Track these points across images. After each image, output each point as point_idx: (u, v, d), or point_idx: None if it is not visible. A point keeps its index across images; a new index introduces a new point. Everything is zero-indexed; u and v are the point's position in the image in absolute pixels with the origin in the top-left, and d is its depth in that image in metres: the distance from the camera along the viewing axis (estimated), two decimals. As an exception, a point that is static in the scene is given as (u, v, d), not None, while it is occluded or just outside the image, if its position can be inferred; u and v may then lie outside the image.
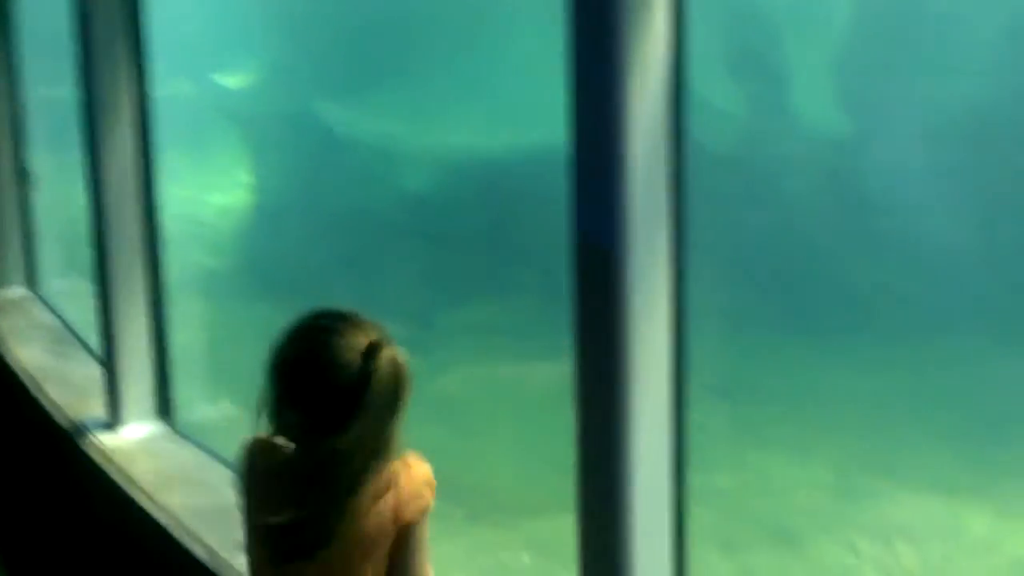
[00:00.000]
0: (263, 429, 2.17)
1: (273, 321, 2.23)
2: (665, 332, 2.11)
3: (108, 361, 4.06)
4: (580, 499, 2.18)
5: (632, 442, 2.07)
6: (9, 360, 4.84)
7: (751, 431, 7.00)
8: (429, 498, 2.22)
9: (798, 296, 9.10)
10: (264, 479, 2.19)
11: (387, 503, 2.14)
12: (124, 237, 4.00)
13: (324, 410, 2.09)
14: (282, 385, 2.12)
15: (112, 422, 4.00)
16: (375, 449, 2.09)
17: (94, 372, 4.32)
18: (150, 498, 3.47)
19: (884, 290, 8.92)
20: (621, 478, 2.08)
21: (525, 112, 10.22)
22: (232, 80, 13.55)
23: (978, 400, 7.53)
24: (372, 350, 2.11)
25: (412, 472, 2.20)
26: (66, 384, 4.44)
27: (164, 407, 4.11)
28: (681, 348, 2.14)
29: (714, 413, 6.64)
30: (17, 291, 5.80)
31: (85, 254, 4.34)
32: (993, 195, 9.21)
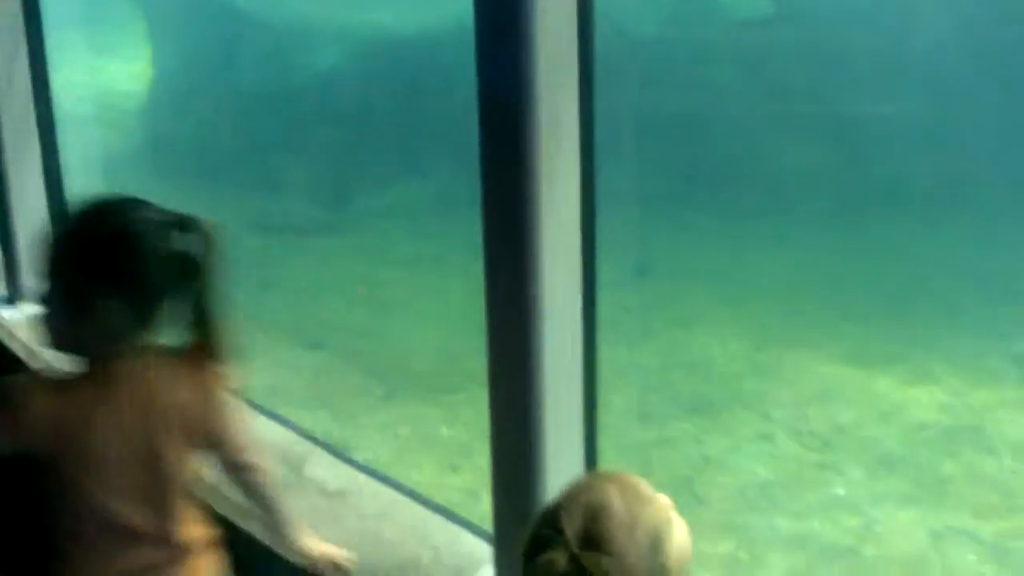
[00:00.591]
0: None
1: (178, 201, 2.13)
2: (575, 203, 2.06)
3: (5, 240, 3.93)
4: (491, 373, 2.15)
5: (543, 313, 2.03)
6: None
7: (671, 308, 7.12)
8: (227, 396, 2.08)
9: (720, 178, 9.18)
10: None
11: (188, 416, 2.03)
12: (16, 117, 3.81)
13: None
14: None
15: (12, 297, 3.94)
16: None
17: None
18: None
19: (806, 172, 9.05)
20: (532, 349, 2.05)
21: (437, -12, 9.96)
22: (137, -43, 12.93)
23: (892, 278, 7.74)
24: None
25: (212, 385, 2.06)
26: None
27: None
28: (591, 217, 2.09)
29: (634, 291, 6.72)
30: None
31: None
32: (917, 74, 9.32)
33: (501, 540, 2.25)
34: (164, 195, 2.16)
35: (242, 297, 2.21)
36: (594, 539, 1.57)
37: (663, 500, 1.69)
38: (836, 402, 5.97)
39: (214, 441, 2.08)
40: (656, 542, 1.62)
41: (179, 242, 1.97)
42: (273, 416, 3.07)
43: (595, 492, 1.64)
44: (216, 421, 2.06)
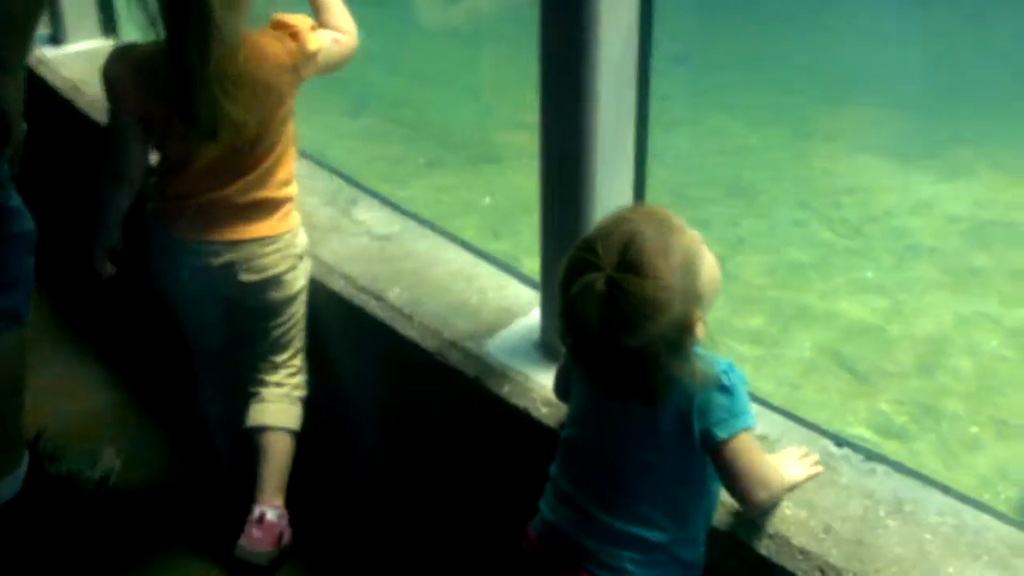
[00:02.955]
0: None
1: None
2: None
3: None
4: (543, 152, 2.15)
5: (596, 93, 2.01)
6: None
7: (710, 96, 7.00)
8: (317, 40, 2.36)
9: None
10: (145, 75, 2.27)
11: (287, 74, 2.32)
12: None
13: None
14: None
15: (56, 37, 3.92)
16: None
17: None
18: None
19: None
20: (584, 132, 2.05)
21: None
22: None
23: (936, 71, 7.54)
24: None
25: (298, 36, 2.32)
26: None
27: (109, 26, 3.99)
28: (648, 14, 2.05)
29: (673, 78, 6.59)
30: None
31: None
32: None
33: (548, 286, 2.30)
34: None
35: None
36: (630, 264, 1.62)
37: (693, 231, 1.73)
38: (871, 192, 5.94)
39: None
40: (689, 266, 1.67)
41: None
42: (319, 163, 3.10)
43: (628, 223, 1.69)
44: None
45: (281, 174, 2.43)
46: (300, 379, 2.61)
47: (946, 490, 1.93)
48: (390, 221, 2.84)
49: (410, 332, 2.43)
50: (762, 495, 1.77)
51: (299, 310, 2.56)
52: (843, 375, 4.28)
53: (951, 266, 5.26)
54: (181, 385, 2.83)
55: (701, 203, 5.47)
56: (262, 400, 2.56)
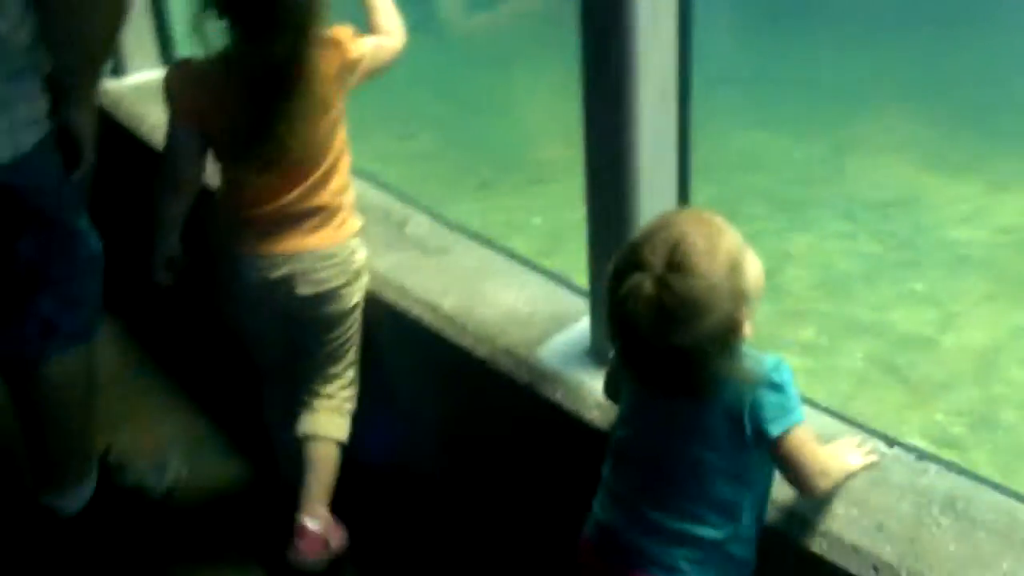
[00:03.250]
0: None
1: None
2: (672, 14, 2.05)
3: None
4: (588, 166, 2.20)
5: (638, 115, 2.06)
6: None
7: (752, 112, 7.01)
8: (362, 46, 2.46)
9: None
10: (202, 89, 2.35)
11: (335, 83, 2.39)
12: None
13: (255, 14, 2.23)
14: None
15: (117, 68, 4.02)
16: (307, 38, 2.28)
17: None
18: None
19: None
20: (628, 150, 2.09)
21: None
22: None
23: (977, 85, 7.49)
24: None
25: (343, 44, 2.41)
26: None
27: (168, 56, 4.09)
28: (686, 25, 2.10)
29: (717, 96, 6.62)
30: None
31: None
32: None
33: (596, 293, 2.34)
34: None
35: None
36: (677, 264, 1.65)
37: (736, 232, 1.76)
38: (918, 205, 5.91)
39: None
40: (735, 266, 1.69)
41: None
42: (371, 180, 3.17)
43: (673, 226, 1.72)
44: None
45: (335, 181, 2.47)
46: (351, 392, 2.66)
47: (999, 488, 1.92)
48: (442, 236, 2.90)
49: (464, 340, 2.49)
50: (822, 483, 1.81)
51: (354, 324, 2.61)
52: (896, 386, 4.26)
53: (1003, 277, 5.21)
54: (248, 396, 2.90)
55: (748, 218, 5.47)
56: (311, 410, 2.62)
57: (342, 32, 2.42)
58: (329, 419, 2.62)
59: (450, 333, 2.52)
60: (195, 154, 2.44)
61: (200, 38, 2.29)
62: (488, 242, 2.88)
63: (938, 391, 4.19)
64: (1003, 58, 7.81)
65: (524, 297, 2.62)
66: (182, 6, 3.92)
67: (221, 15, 2.27)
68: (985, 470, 3.54)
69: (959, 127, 6.89)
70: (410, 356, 2.73)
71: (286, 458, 2.76)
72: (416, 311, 2.61)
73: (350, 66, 2.41)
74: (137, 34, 3.96)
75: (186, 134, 2.41)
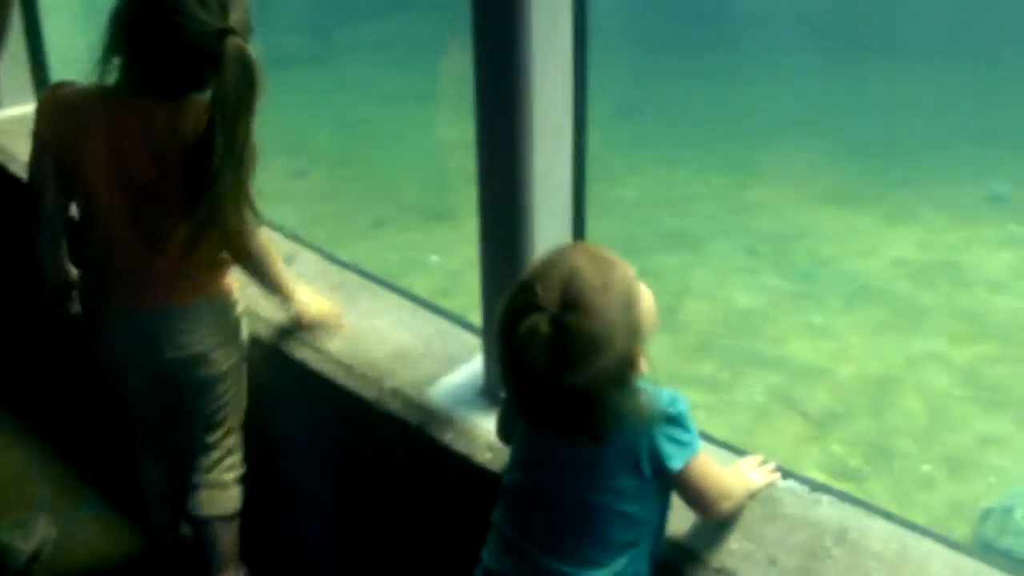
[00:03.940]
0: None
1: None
2: (567, 38, 2.02)
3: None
4: (481, 198, 2.15)
5: (533, 149, 2.02)
6: None
7: (656, 146, 7.10)
8: None
9: (708, 18, 9.03)
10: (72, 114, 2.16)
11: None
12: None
13: (168, 64, 2.05)
14: (128, 31, 2.06)
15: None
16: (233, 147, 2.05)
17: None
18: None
19: (795, 13, 8.91)
20: (521, 185, 2.05)
21: None
22: None
23: (874, 120, 7.72)
24: (224, 32, 2.02)
25: None
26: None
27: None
28: (582, 53, 2.07)
29: (620, 129, 6.68)
30: None
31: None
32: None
33: (489, 332, 2.28)
34: None
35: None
36: (572, 302, 1.61)
37: (627, 265, 1.73)
38: (817, 237, 6.04)
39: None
40: (629, 301, 1.67)
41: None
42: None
43: (564, 261, 1.68)
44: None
45: (212, 237, 2.22)
46: (233, 459, 2.48)
47: (890, 517, 1.93)
48: (330, 275, 2.81)
49: (351, 383, 2.40)
50: (725, 506, 1.85)
51: (231, 388, 2.41)
52: (795, 419, 4.29)
53: (899, 307, 5.33)
54: (122, 453, 2.75)
55: (649, 252, 5.51)
56: (195, 488, 2.46)
57: None
58: (214, 498, 2.46)
59: (337, 376, 2.43)
60: (56, 185, 2.23)
61: (102, 72, 2.12)
62: (380, 281, 2.80)
63: (836, 423, 4.25)
64: (902, 95, 8.08)
65: (416, 337, 2.54)
66: (60, 37, 3.79)
67: (121, 51, 2.10)
68: (882, 500, 3.58)
69: (858, 161, 7.09)
70: (298, 401, 2.62)
71: (164, 520, 2.61)
72: (300, 353, 2.51)
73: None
74: (10, 66, 3.81)
75: (48, 163, 2.22)
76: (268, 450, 2.61)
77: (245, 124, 2.05)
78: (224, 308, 2.33)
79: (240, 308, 2.39)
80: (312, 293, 2.54)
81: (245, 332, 2.43)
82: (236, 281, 2.37)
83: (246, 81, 2.03)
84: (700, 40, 8.93)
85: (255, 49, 2.08)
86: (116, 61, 2.10)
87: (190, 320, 2.28)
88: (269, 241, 2.37)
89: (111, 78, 2.12)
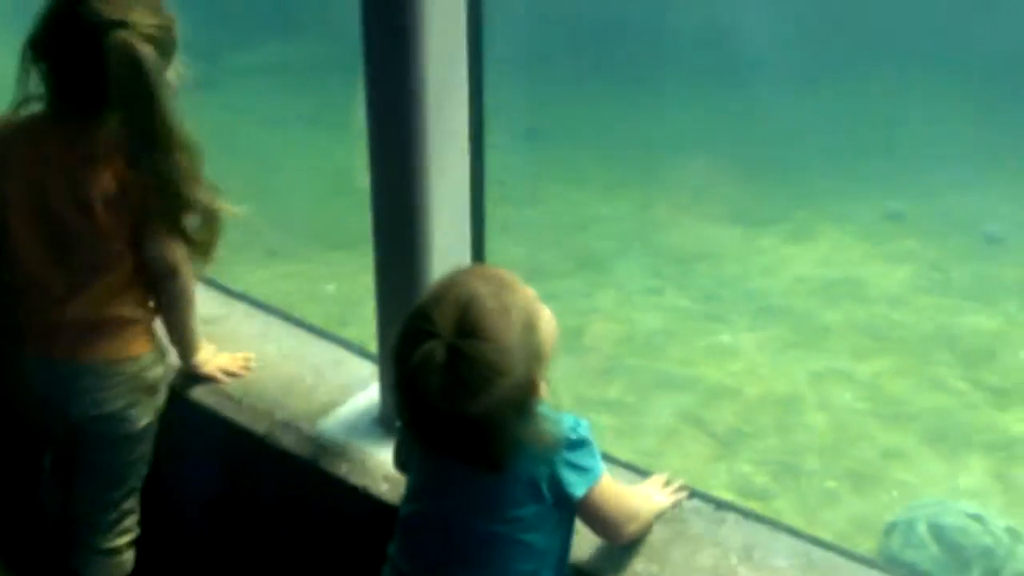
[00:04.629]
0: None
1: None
2: (463, 62, 1.98)
3: None
4: (376, 228, 2.11)
5: (429, 173, 1.97)
6: None
7: (559, 169, 7.11)
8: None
9: (607, 39, 9.11)
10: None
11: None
12: None
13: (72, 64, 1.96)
14: (37, 37, 1.98)
15: None
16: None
17: None
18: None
19: (693, 35, 9.04)
20: (419, 208, 2.00)
21: None
22: None
23: (772, 139, 7.87)
24: (115, 24, 1.93)
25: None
26: None
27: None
28: (478, 78, 2.02)
29: (523, 153, 6.67)
30: None
31: None
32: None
33: (386, 362, 2.21)
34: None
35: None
36: (468, 329, 1.56)
37: (528, 288, 1.68)
38: (721, 258, 6.11)
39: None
40: (529, 325, 1.62)
41: None
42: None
43: (462, 285, 1.63)
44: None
45: (134, 292, 2.14)
46: (131, 521, 2.35)
47: (796, 534, 1.93)
48: (215, 303, 2.69)
49: (240, 416, 2.30)
50: (631, 528, 1.83)
51: (141, 448, 2.27)
52: (703, 439, 4.30)
53: (802, 325, 5.40)
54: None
55: (554, 276, 5.50)
56: (91, 553, 2.32)
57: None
58: (102, 563, 2.32)
59: (226, 410, 2.32)
60: None
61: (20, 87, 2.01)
62: (268, 307, 2.69)
63: (743, 442, 4.27)
64: (799, 114, 8.24)
65: (308, 366, 2.45)
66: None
67: (33, 61, 2.00)
68: (789, 517, 3.59)
69: (759, 180, 7.20)
70: (183, 438, 2.49)
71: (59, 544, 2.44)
72: (185, 386, 2.39)
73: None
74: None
75: None
76: (153, 492, 2.48)
77: (154, 113, 1.96)
78: (145, 365, 2.19)
79: (159, 369, 2.24)
80: (215, 352, 2.42)
81: (162, 393, 2.28)
82: (154, 341, 2.23)
83: (134, 78, 1.93)
84: (599, 64, 9.01)
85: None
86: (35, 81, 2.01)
87: (106, 378, 2.14)
88: (192, 290, 2.24)
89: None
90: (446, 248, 2.05)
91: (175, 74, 2.08)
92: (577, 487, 1.68)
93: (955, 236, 6.50)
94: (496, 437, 1.61)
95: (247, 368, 2.43)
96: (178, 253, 2.10)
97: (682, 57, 8.79)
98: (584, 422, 1.73)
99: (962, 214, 6.80)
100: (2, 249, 2.12)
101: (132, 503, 2.34)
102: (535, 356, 1.61)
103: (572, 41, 9.07)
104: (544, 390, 1.64)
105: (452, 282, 1.65)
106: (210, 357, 2.40)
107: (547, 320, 1.69)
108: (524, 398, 1.60)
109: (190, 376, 2.40)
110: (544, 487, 1.67)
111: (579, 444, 1.70)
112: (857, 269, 6.06)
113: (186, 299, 2.21)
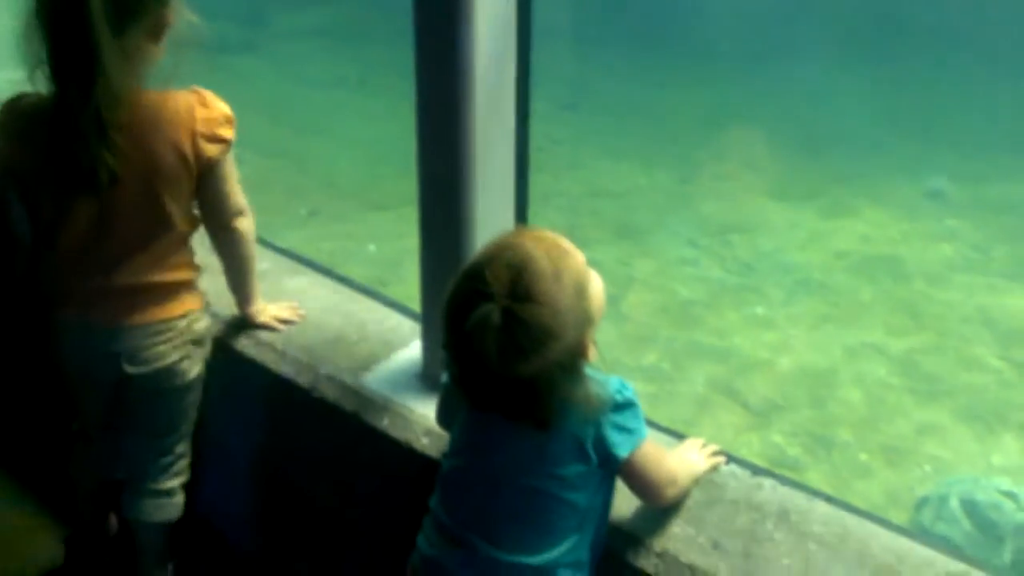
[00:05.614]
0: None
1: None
2: (511, 33, 1.99)
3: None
4: (421, 180, 2.11)
5: (475, 137, 1.98)
6: None
7: (599, 141, 7.09)
8: (230, 136, 2.14)
9: (652, 17, 9.05)
10: (25, 125, 2.07)
11: (183, 138, 2.07)
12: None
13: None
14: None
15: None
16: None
17: None
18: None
19: (741, 12, 8.97)
20: (464, 172, 2.01)
21: None
22: None
23: (813, 118, 7.80)
24: None
25: (209, 108, 2.11)
26: None
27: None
28: (525, 49, 2.03)
29: (564, 124, 6.66)
30: None
31: None
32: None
33: (429, 316, 2.24)
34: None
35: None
36: (523, 292, 1.57)
37: (579, 253, 1.70)
38: (759, 231, 6.07)
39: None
40: (580, 289, 1.63)
41: None
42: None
43: (516, 248, 1.63)
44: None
45: (177, 257, 2.19)
46: (180, 465, 2.42)
47: (831, 500, 1.93)
48: (260, 259, 2.70)
49: (284, 368, 2.33)
50: (671, 492, 1.84)
51: (190, 396, 2.34)
52: (736, 409, 4.30)
53: (837, 300, 5.37)
54: (43, 449, 2.64)
55: (592, 244, 5.49)
56: (142, 495, 2.39)
57: (222, 106, 2.13)
58: (159, 506, 2.40)
59: (269, 361, 2.36)
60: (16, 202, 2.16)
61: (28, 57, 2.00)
62: (311, 263, 2.73)
63: (776, 413, 4.26)
64: (843, 92, 8.17)
65: (351, 322, 2.48)
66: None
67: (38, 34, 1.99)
68: (821, 488, 3.60)
69: (798, 157, 7.15)
70: (229, 388, 2.54)
71: (89, 511, 2.51)
72: (231, 338, 2.43)
73: (210, 126, 2.10)
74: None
75: (11, 182, 2.13)
76: (200, 440, 2.53)
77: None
78: (187, 321, 2.24)
79: (204, 322, 2.30)
80: (270, 305, 2.50)
81: (208, 344, 2.34)
82: (201, 297, 2.29)
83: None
84: (641, 37, 8.96)
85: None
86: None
87: (154, 336, 2.20)
88: (253, 241, 2.31)
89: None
90: (490, 213, 2.07)
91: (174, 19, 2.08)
92: (622, 448, 1.70)
93: (996, 217, 6.43)
94: (545, 397, 1.63)
95: (299, 315, 2.49)
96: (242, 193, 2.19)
97: (729, 33, 8.73)
98: (630, 385, 1.75)
99: (1003, 196, 6.73)
100: (55, 219, 2.14)
101: (184, 447, 2.40)
102: (585, 319, 1.62)
103: (618, 14, 9.02)
104: (592, 353, 1.66)
105: (506, 243, 1.66)
106: (264, 307, 2.47)
107: (596, 284, 1.71)
108: (574, 360, 1.62)
109: (237, 327, 2.45)
110: (589, 447, 1.69)
111: (625, 406, 1.72)
112: (896, 246, 6.01)
113: (251, 243, 2.29)
